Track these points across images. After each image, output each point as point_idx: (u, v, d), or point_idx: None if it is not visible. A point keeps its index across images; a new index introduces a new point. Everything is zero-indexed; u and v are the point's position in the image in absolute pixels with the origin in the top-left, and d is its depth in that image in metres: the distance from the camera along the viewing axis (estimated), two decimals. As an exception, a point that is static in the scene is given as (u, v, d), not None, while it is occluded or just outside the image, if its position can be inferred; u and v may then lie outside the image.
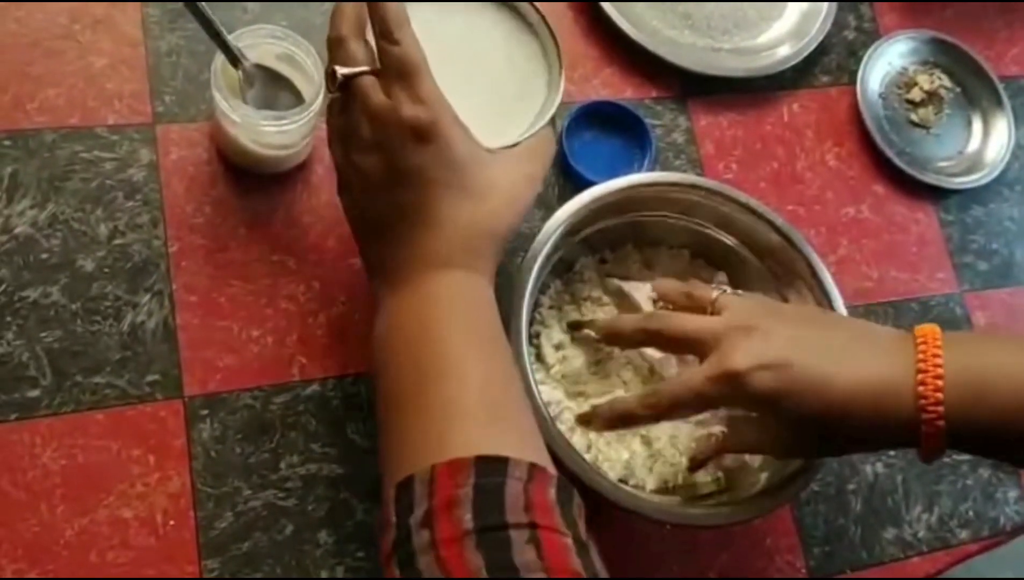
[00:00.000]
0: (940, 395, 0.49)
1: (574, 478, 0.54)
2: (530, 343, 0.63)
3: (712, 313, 0.57)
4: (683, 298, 0.60)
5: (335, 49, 0.52)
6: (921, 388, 0.49)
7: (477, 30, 0.57)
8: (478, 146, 0.52)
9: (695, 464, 0.60)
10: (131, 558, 0.56)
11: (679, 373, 0.61)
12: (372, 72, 0.51)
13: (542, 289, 0.65)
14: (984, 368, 0.50)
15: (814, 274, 0.64)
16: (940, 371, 0.49)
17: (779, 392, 0.51)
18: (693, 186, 0.65)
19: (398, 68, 0.50)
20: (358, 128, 0.51)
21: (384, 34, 0.50)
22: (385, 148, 0.51)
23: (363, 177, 0.52)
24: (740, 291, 0.62)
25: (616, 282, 0.65)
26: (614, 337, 0.61)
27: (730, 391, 0.52)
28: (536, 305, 0.64)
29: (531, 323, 0.63)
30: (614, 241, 0.68)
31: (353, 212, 0.55)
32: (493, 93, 0.57)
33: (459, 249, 0.52)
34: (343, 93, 0.52)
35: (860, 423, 0.51)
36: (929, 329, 0.52)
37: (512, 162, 0.54)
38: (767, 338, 0.53)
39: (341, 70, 0.51)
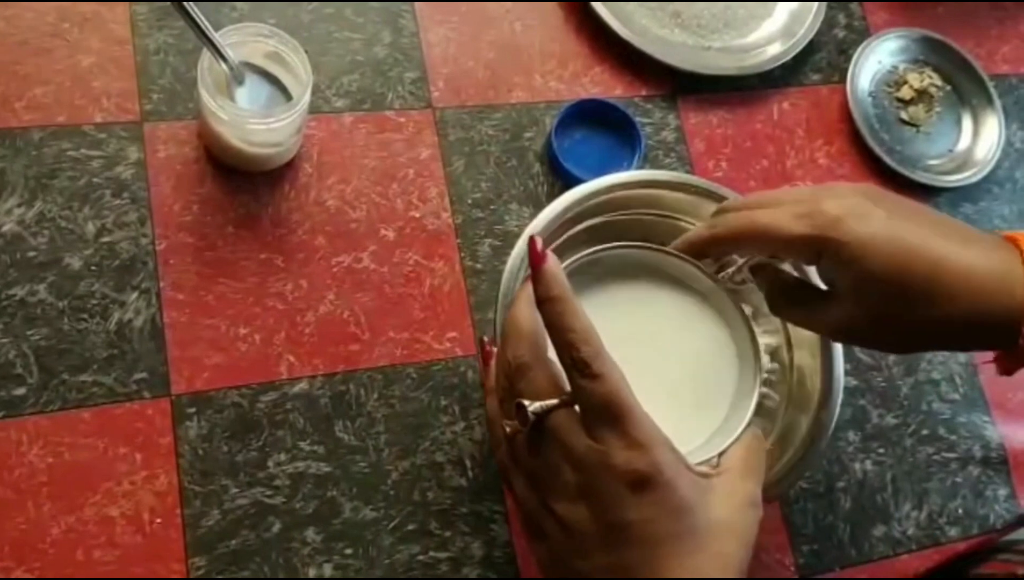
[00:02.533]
0: None
1: None
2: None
3: None
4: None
5: (517, 378, 0.45)
6: None
7: (660, 318, 0.49)
8: (697, 475, 0.44)
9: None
10: (117, 556, 0.56)
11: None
12: (567, 402, 0.44)
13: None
14: None
15: (803, 273, 0.64)
16: None
17: (881, 240, 0.46)
18: (681, 184, 0.65)
19: (601, 407, 0.42)
20: (558, 473, 0.44)
21: (579, 366, 0.42)
22: (596, 500, 0.43)
23: (569, 531, 0.43)
24: None
25: None
26: (695, 247, 0.54)
27: (818, 233, 0.47)
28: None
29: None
30: (602, 239, 0.67)
31: (555, 567, 0.45)
32: (677, 392, 0.49)
33: None
34: (533, 430, 0.44)
35: (965, 307, 0.46)
36: (1021, 234, 0.48)
37: (730, 484, 0.46)
38: (864, 201, 0.48)
39: (532, 406, 0.43)
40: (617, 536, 0.42)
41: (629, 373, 0.44)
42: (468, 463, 0.64)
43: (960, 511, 0.74)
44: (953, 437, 0.76)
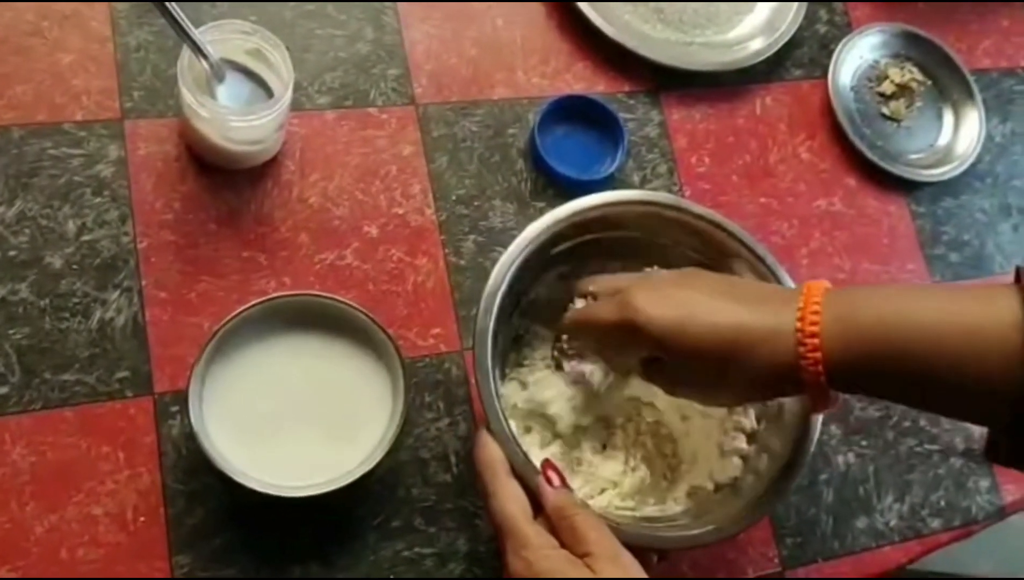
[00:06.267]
0: (817, 353, 0.50)
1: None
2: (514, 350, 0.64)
3: None
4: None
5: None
6: (800, 343, 0.50)
7: (319, 358, 0.59)
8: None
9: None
10: (101, 555, 0.56)
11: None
12: None
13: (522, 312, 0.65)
14: (856, 314, 0.50)
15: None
16: (816, 328, 0.50)
17: (670, 326, 0.53)
18: (645, 202, 0.63)
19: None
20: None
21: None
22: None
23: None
24: None
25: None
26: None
27: (627, 321, 0.54)
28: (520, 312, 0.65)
29: (499, 344, 0.62)
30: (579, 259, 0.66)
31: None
32: (334, 422, 0.58)
33: None
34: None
35: (745, 366, 0.52)
36: (815, 284, 0.53)
37: None
38: (663, 281, 0.57)
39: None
40: None
41: (292, 407, 0.58)
42: (453, 459, 0.64)
43: (942, 503, 0.75)
44: (935, 429, 0.76)
